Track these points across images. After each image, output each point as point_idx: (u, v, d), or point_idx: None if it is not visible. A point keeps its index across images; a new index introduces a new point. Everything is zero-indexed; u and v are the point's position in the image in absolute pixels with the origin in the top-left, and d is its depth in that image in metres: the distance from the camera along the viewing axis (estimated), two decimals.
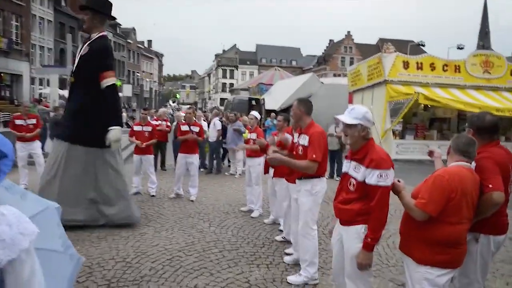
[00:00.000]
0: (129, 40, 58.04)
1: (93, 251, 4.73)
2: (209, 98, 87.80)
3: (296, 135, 4.24)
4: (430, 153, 3.44)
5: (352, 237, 2.85)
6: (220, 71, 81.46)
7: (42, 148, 12.27)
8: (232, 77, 79.98)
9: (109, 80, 5.53)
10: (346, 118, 2.85)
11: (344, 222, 2.96)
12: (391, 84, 15.46)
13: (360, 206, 2.80)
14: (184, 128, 7.64)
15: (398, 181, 2.81)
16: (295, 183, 4.30)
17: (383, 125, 15.55)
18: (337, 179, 10.32)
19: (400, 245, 2.85)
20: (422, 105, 16.81)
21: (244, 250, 4.91)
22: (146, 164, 7.85)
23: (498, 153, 2.91)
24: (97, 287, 3.81)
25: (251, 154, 6.58)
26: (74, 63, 5.83)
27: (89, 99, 5.54)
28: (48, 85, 35.59)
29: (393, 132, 15.41)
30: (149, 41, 76.78)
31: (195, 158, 7.64)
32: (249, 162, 6.80)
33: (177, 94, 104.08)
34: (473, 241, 2.88)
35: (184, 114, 11.07)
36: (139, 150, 7.82)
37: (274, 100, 22.78)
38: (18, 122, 7.97)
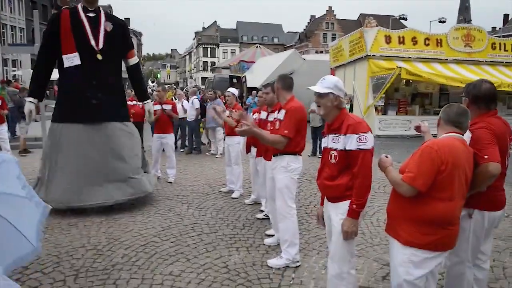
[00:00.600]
0: None
1: (62, 239, 4.45)
2: (191, 77, 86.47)
3: (276, 112, 4.11)
4: (417, 128, 3.25)
5: (341, 212, 2.71)
6: (200, 50, 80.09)
7: (14, 131, 11.75)
8: (213, 55, 78.79)
9: (135, 57, 6.13)
10: (317, 87, 2.79)
11: (332, 199, 2.82)
12: (373, 59, 15.30)
13: (347, 180, 2.69)
14: (156, 107, 7.29)
15: (386, 156, 2.64)
16: (271, 160, 4.12)
17: (365, 101, 15.44)
18: (320, 156, 10.15)
19: (386, 227, 2.66)
20: (404, 80, 16.72)
21: (223, 232, 4.70)
22: None
23: (496, 123, 2.70)
24: (65, 278, 3.55)
25: (230, 132, 6.30)
26: (87, 39, 5.38)
27: (120, 76, 5.97)
28: (21, 66, 34.46)
29: (376, 108, 15.31)
30: (126, 19, 74.64)
31: (169, 138, 7.33)
32: (228, 141, 6.53)
33: (157, 74, 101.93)
34: (466, 217, 2.69)
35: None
36: None
37: (255, 77, 22.44)
38: None
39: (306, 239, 4.50)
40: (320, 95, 2.76)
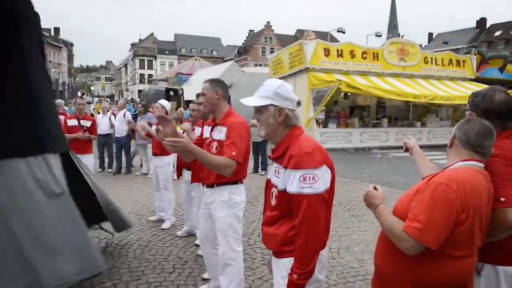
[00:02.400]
0: None
1: None
2: (126, 90, 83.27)
3: (207, 128, 3.23)
4: (406, 149, 2.46)
5: (280, 275, 1.96)
6: (137, 62, 77.43)
7: None
8: (150, 67, 76.52)
9: None
10: (252, 99, 2.00)
11: (273, 253, 2.05)
12: (313, 71, 15.08)
13: (287, 229, 1.91)
14: (72, 122, 6.22)
15: (375, 188, 1.92)
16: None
17: (306, 113, 15.12)
18: (262, 173, 9.49)
19: (374, 283, 1.94)
20: (343, 93, 16.74)
21: (147, 279, 3.77)
22: None
23: None
24: None
25: (157, 152, 5.40)
26: None
27: None
28: None
29: (316, 121, 15.05)
30: (56, 29, 70.31)
31: (89, 159, 6.20)
32: (155, 161, 5.60)
33: (91, 87, 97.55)
34: (474, 274, 1.91)
35: (93, 107, 9.70)
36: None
37: (193, 90, 21.56)
38: None
39: (249, 282, 3.72)
40: (257, 110, 2.00)
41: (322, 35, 40.21)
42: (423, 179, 1.92)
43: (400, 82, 16.03)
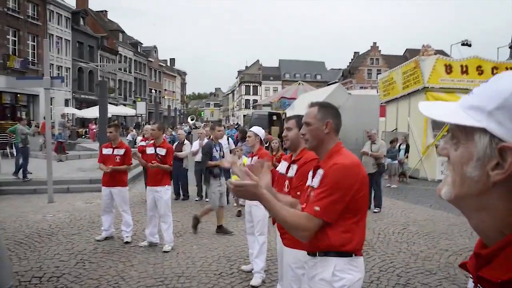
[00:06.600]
0: (150, 59, 57.50)
1: None
2: (233, 115, 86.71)
3: (284, 163, 2.50)
4: None
5: None
6: (243, 88, 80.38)
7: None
8: (255, 93, 78.71)
9: None
10: (443, 107, 0.77)
11: None
12: (432, 91, 13.32)
13: None
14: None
15: None
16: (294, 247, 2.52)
17: (424, 140, 13.35)
18: (375, 210, 8.10)
19: None
20: None
21: None
22: (117, 199, 5.92)
23: None
24: None
25: None
26: None
27: None
28: (67, 104, 34.98)
29: (436, 148, 13.07)
30: (172, 60, 76.60)
31: (164, 192, 5.61)
32: (251, 201, 4.71)
33: (201, 112, 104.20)
34: None
35: (202, 131, 9.11)
36: (108, 181, 5.89)
37: (297, 114, 20.86)
38: None
39: None
40: (452, 134, 0.75)
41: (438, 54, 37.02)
42: None
43: None
